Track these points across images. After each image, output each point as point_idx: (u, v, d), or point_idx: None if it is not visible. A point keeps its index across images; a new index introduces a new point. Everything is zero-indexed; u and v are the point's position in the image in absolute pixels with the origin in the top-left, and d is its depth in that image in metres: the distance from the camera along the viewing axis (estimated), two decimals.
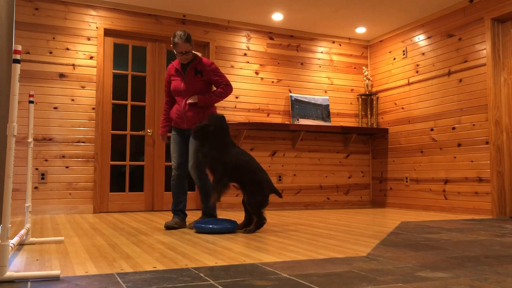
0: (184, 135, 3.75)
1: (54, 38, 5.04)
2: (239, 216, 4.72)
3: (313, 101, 6.20)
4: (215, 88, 3.77)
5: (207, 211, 3.71)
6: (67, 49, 5.09)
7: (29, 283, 1.76)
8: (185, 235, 3.17)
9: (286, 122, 5.94)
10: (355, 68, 6.60)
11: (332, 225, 3.91)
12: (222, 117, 3.51)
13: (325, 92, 6.36)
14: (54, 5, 5.08)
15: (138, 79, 5.54)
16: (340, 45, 6.52)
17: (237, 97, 5.83)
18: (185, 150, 3.74)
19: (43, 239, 2.81)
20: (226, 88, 3.69)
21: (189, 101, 3.66)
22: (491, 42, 4.86)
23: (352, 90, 6.55)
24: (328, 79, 6.40)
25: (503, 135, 4.81)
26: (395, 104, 6.15)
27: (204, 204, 3.71)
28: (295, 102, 6.08)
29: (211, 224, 3.32)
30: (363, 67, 6.59)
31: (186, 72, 3.69)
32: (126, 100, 5.44)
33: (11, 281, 1.80)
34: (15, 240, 2.26)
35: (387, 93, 6.32)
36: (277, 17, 5.75)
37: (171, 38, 3.63)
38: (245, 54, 5.93)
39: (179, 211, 3.70)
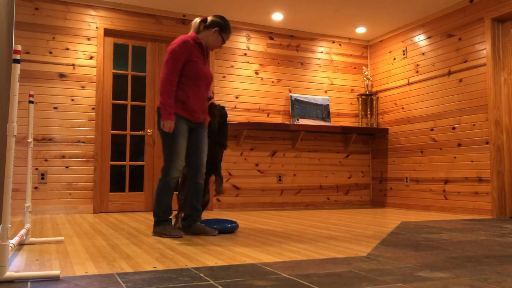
0: (192, 129, 3.25)
1: (54, 38, 5.04)
2: (239, 216, 4.72)
3: (313, 101, 6.19)
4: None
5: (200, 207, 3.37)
6: (67, 49, 5.09)
7: (29, 283, 1.76)
8: (185, 235, 3.17)
9: (286, 122, 5.94)
10: (355, 68, 6.60)
11: (332, 225, 3.91)
12: (222, 107, 3.48)
13: (325, 92, 6.36)
14: (54, 5, 5.08)
15: (138, 79, 5.54)
16: (340, 45, 6.52)
17: (237, 97, 5.82)
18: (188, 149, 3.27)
19: (43, 239, 2.81)
20: None
21: (211, 92, 3.39)
22: (491, 42, 4.86)
23: (352, 90, 6.54)
24: (328, 79, 6.40)
25: (503, 135, 4.80)
26: (395, 104, 6.15)
27: (198, 202, 3.33)
28: (295, 102, 6.07)
29: (211, 225, 3.32)
30: (363, 67, 6.58)
31: (208, 55, 3.28)
32: (126, 100, 5.44)
33: (11, 281, 1.80)
34: (15, 240, 2.26)
35: (387, 93, 6.31)
36: (277, 17, 5.74)
37: (229, 27, 3.24)
38: (245, 54, 5.93)
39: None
